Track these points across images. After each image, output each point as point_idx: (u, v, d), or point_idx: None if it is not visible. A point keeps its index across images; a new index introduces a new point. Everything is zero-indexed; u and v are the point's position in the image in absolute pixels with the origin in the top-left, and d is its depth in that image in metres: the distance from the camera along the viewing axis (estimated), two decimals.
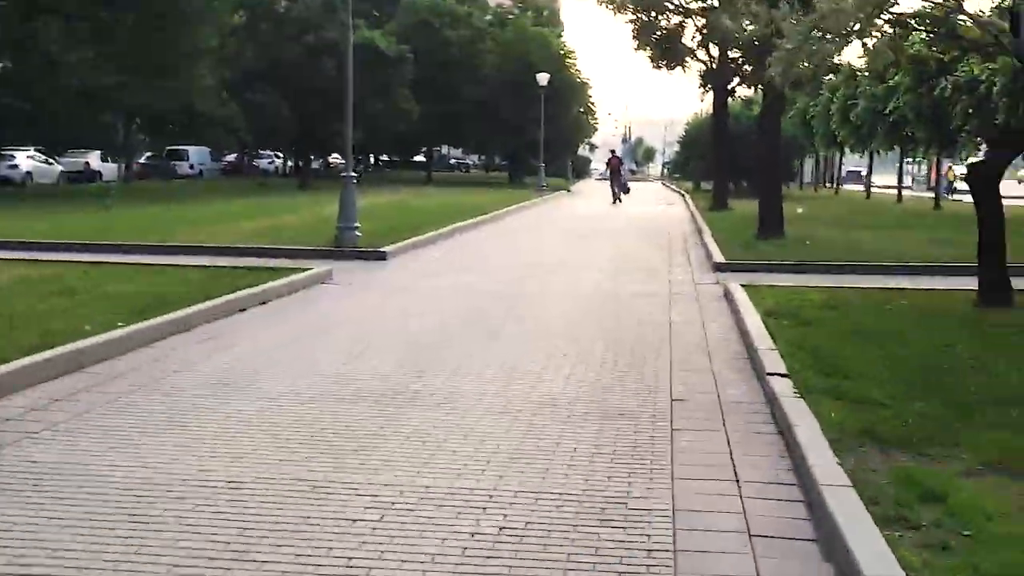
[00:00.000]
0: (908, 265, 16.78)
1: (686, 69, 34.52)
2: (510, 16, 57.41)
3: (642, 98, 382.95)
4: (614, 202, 40.97)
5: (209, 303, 11.38)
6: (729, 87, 34.06)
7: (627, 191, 44.37)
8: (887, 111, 36.88)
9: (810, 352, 9.03)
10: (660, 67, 34.56)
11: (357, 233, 18.59)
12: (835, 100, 46.12)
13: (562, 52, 54.63)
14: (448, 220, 25.03)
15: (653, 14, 33.12)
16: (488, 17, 57.28)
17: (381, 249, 18.10)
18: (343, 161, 65.12)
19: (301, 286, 13.83)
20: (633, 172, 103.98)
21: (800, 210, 32.83)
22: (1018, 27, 11.41)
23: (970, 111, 30.99)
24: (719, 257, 18.01)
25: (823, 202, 42.45)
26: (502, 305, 12.49)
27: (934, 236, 22.72)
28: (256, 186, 44.07)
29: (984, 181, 12.38)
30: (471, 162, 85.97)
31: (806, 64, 12.56)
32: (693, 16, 33.06)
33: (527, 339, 10.30)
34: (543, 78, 46.88)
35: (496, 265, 17.49)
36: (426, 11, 54.16)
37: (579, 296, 13.59)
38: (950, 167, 49.95)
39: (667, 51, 33.95)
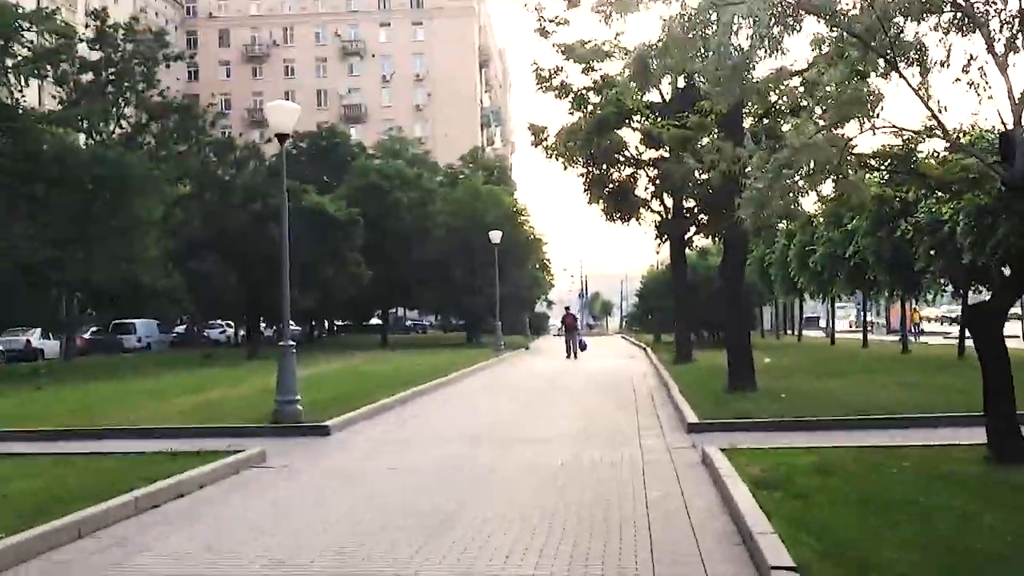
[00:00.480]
0: (899, 417, 15.47)
1: (640, 221, 33.79)
2: (461, 176, 57.15)
3: (597, 253, 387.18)
4: (568, 356, 41.69)
5: (116, 500, 9.85)
6: (686, 237, 33.30)
7: (584, 348, 44.76)
8: (846, 255, 36.28)
9: (816, 534, 7.65)
10: (614, 220, 33.76)
11: (298, 407, 17.11)
12: (792, 246, 45.68)
13: (515, 209, 54.18)
14: (402, 385, 23.65)
15: (604, 167, 32.50)
16: (439, 178, 56.98)
17: (324, 423, 16.59)
18: (298, 328, 64.11)
19: (228, 472, 12.29)
20: (591, 327, 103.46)
21: (767, 360, 31.71)
22: (1011, 152, 10.40)
23: (932, 252, 30.37)
24: (691, 416, 16.64)
25: (787, 350, 41.45)
26: (457, 487, 11.04)
27: (913, 380, 21.57)
28: (203, 357, 42.41)
29: (986, 322, 11.21)
30: (428, 323, 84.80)
31: (780, 202, 11.42)
32: (645, 167, 32.48)
33: (484, 530, 8.82)
34: (496, 236, 46.10)
35: (452, 435, 15.95)
36: (375, 174, 53.69)
37: (542, 472, 12.09)
38: (915, 310, 49.37)
39: (620, 203, 33.20)
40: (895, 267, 34.06)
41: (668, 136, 22.95)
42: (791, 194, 11.63)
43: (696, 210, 32.56)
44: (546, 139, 31.55)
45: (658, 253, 57.51)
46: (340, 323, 78.68)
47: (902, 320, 39.81)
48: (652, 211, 33.51)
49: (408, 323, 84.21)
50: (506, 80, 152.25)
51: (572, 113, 31.37)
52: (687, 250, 34.41)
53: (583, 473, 11.84)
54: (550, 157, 30.94)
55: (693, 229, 33.06)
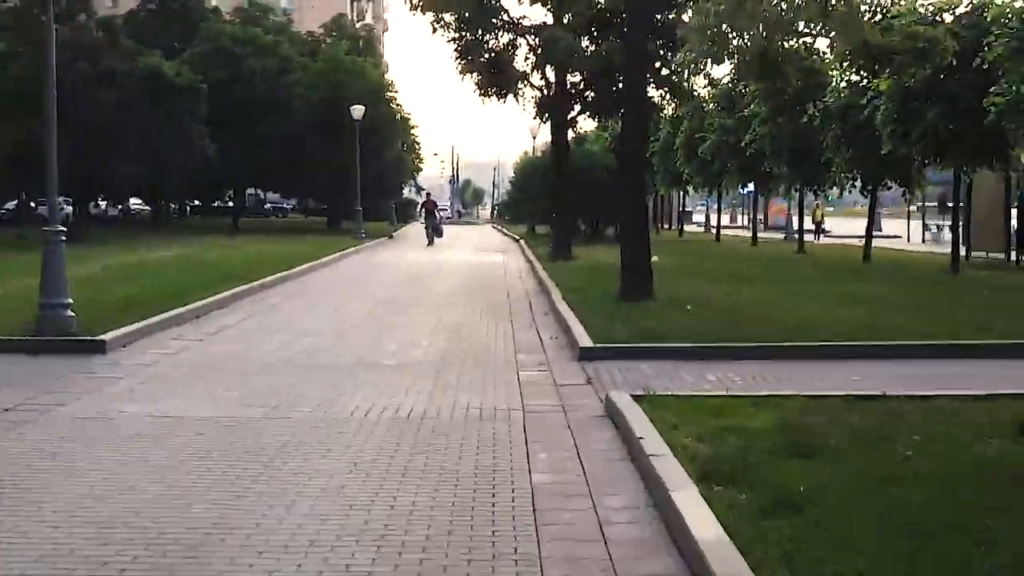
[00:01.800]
0: (863, 346, 12.18)
1: (519, 97, 29.85)
2: (324, 44, 51.83)
3: (470, 140, 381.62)
4: (428, 244, 40.75)
5: None
6: (569, 116, 29.49)
7: (440, 234, 43.73)
8: (741, 144, 33.07)
9: None
10: (489, 95, 29.77)
11: (68, 313, 12.97)
12: (680, 133, 42.39)
13: (381, 84, 49.42)
14: (229, 282, 19.57)
15: (479, 32, 28.38)
16: (296, 47, 51.55)
17: (99, 337, 12.49)
18: (143, 207, 58.57)
19: None
20: (461, 214, 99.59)
21: (655, 258, 28.44)
22: None
23: (842, 141, 27.30)
24: (583, 337, 12.93)
25: (672, 247, 38.28)
26: (244, 469, 7.22)
27: (845, 289, 18.48)
28: (17, 239, 37.27)
29: None
30: (289, 207, 79.65)
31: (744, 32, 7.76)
32: (526, 35, 28.46)
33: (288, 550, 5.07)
34: (358, 111, 41.63)
35: (271, 360, 12.01)
36: (226, 38, 48.22)
37: (378, 434, 8.33)
38: (818, 204, 46.64)
39: (496, 76, 29.21)
40: (796, 157, 31.06)
41: None
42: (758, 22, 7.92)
43: (582, 86, 28.80)
44: None
45: (534, 138, 53.84)
46: (192, 204, 73.23)
47: (799, 218, 36.92)
48: (532, 86, 29.63)
49: (268, 206, 79.05)
50: None
51: None
52: (569, 132, 30.61)
53: (443, 435, 8.14)
54: (415, 8, 26.39)
55: (577, 108, 29.30)
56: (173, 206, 70.44)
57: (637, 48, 17.74)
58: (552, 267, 25.32)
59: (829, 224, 52.39)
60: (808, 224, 49.06)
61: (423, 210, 48.40)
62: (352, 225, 42.54)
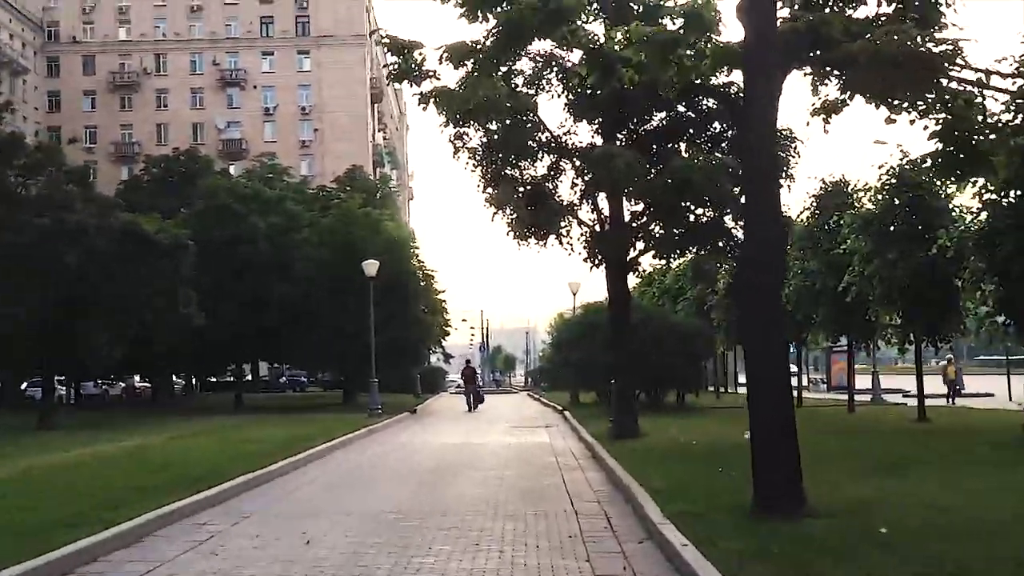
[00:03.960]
0: None
1: (563, 238, 23.92)
2: (335, 200, 46.56)
3: (500, 305, 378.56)
4: (469, 411, 41.89)
5: None
6: (630, 257, 23.40)
7: (481, 400, 45.07)
8: (838, 287, 26.92)
9: None
10: (526, 236, 23.90)
11: None
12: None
13: (399, 238, 43.82)
14: (165, 494, 13.37)
15: (513, 158, 22.70)
16: (306, 204, 46.25)
17: None
18: (112, 383, 52.31)
19: None
20: (499, 383, 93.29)
21: (747, 435, 22.08)
22: None
23: (984, 277, 21.18)
24: None
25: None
26: None
27: None
28: None
29: None
30: (305, 380, 73.45)
31: None
32: (572, 157, 22.74)
33: None
34: (371, 266, 35.85)
35: None
36: (226, 194, 43.08)
37: None
38: (950, 360, 39.89)
39: (535, 212, 23.41)
40: (914, 301, 24.90)
41: (636, 37, 12.84)
42: None
43: (644, 218, 22.90)
44: (418, 71, 20.15)
45: (575, 294, 47.88)
46: (203, 379, 67.39)
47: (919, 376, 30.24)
48: (580, 222, 23.73)
49: (283, 379, 73.09)
50: (402, 122, 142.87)
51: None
52: (631, 275, 24.43)
53: None
54: (425, 102, 20.08)
55: (640, 245, 23.29)
56: (180, 382, 64.73)
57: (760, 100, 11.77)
58: (619, 451, 18.96)
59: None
60: (932, 384, 42.64)
61: (463, 378, 48.47)
62: (373, 396, 36.28)
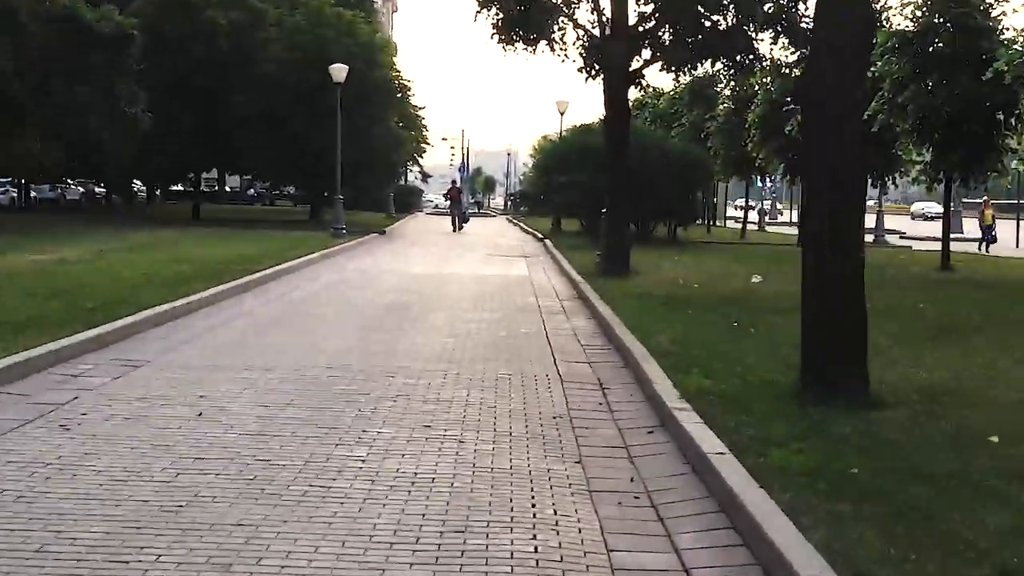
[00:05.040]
0: None
1: (556, 43, 20.52)
2: None
3: (481, 127, 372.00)
4: (454, 230, 42.78)
5: None
6: (632, 67, 20.03)
7: (466, 220, 46.37)
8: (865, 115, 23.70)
9: None
10: (513, 40, 20.54)
11: None
12: (753, 105, 33.04)
13: (373, 42, 39.83)
14: (32, 334, 10.46)
15: None
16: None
17: None
18: (66, 186, 48.86)
19: None
20: (480, 205, 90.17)
21: (757, 277, 19.31)
22: None
23: None
24: None
25: (756, 256, 28.96)
26: None
27: None
28: None
29: None
30: (273, 193, 69.72)
31: None
32: None
33: None
34: (339, 71, 32.21)
35: None
36: None
37: None
38: (986, 202, 36.79)
39: (526, 11, 19.96)
40: (950, 134, 21.91)
41: None
42: None
43: (653, 20, 19.46)
44: None
45: (562, 114, 44.46)
46: (176, 188, 63.97)
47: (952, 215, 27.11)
48: (577, 24, 20.28)
49: (250, 191, 69.67)
50: None
51: None
52: (632, 89, 20.98)
53: None
54: None
55: (646, 54, 19.89)
56: (138, 190, 61.38)
57: None
58: (609, 292, 16.14)
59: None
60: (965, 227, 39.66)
61: (448, 197, 49.71)
62: (337, 215, 33.20)
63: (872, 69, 23.38)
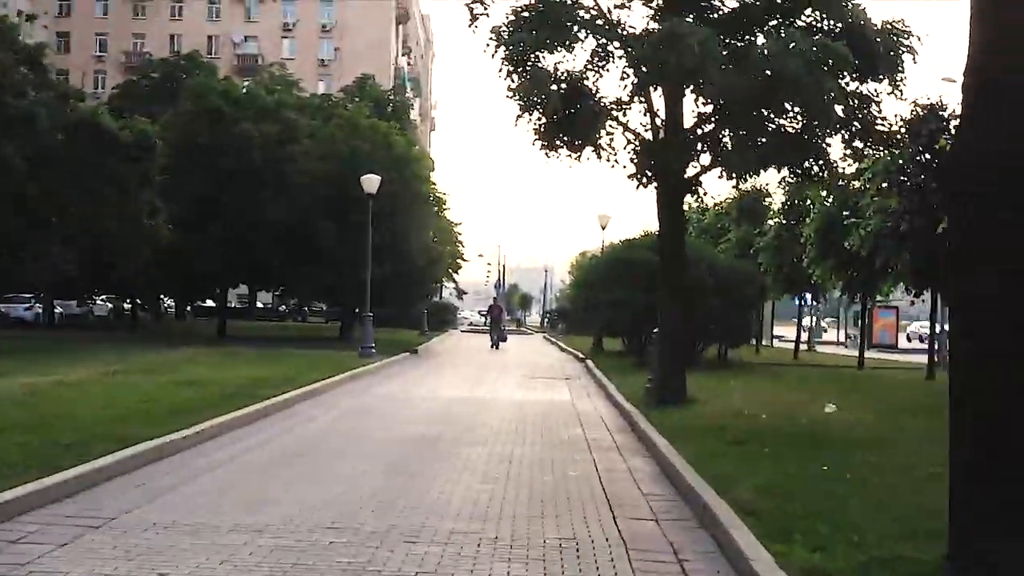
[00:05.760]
0: None
1: (604, 149, 18.80)
2: (340, 106, 40.94)
3: (517, 245, 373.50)
4: (493, 347, 43.23)
5: None
6: (690, 174, 18.23)
7: (504, 339, 46.27)
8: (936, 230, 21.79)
9: None
10: (556, 147, 18.81)
11: None
12: (807, 221, 31.27)
13: (410, 154, 38.56)
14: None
15: (548, 39, 17.53)
16: (308, 113, 40.78)
17: None
18: (93, 302, 47.62)
19: None
20: (519, 322, 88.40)
21: (830, 407, 17.16)
22: None
23: None
24: None
25: (824, 381, 26.70)
26: None
27: None
28: None
29: None
30: (296, 309, 68.18)
31: None
32: (623, 41, 17.51)
33: None
34: (370, 182, 30.83)
35: None
36: (216, 97, 37.87)
37: None
38: None
39: (572, 115, 18.30)
40: None
41: None
42: None
43: (713, 123, 17.71)
44: None
45: (604, 228, 42.83)
46: (196, 303, 62.60)
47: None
48: (628, 129, 18.53)
49: (282, 307, 68.16)
50: (428, 50, 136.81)
51: None
52: (690, 197, 19.09)
53: None
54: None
55: (706, 159, 18.09)
56: (169, 306, 60.16)
57: None
58: (667, 425, 14.09)
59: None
60: None
61: (490, 315, 50.93)
62: (365, 333, 31.44)
63: None
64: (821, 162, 17.68)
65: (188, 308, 62.50)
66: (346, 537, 7.83)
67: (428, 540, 7.84)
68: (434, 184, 43.73)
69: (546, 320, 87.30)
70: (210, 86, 39.08)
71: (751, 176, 18.21)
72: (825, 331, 73.60)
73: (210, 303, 62.32)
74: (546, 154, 19.13)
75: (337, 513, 8.68)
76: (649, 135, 18.24)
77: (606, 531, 8.39)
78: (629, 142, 18.33)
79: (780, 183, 24.44)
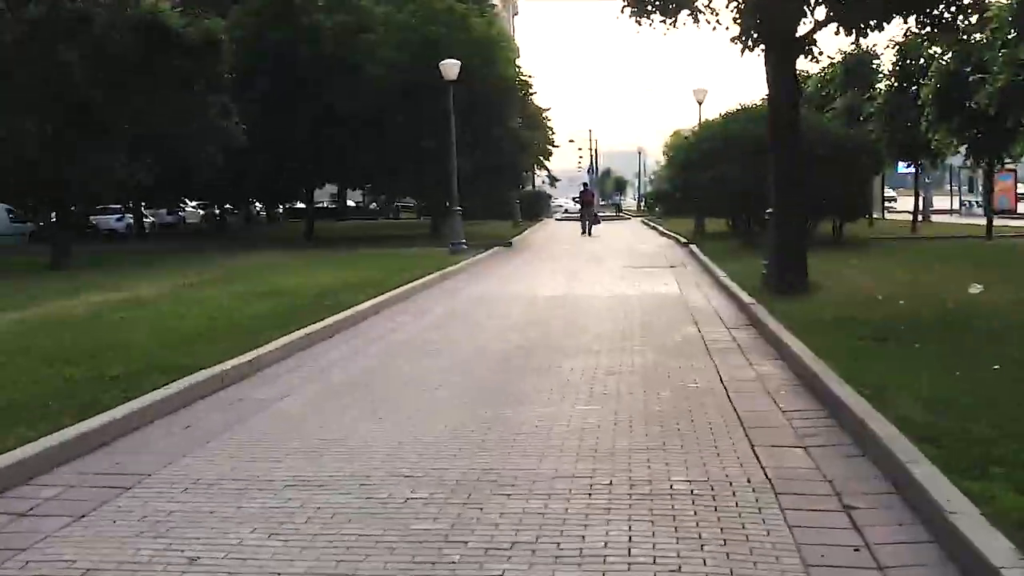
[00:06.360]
0: None
1: (700, 14, 16.73)
2: None
3: (609, 128, 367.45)
4: (584, 233, 42.68)
5: None
6: (800, 31, 16.11)
7: (597, 222, 45.84)
8: None
9: None
10: (649, 11, 16.84)
11: None
12: (926, 79, 28.67)
13: (490, 37, 36.47)
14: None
15: None
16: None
17: None
18: (183, 209, 47.08)
19: None
20: (619, 208, 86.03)
21: (976, 287, 15.18)
22: None
23: None
24: None
25: (952, 255, 24.46)
26: None
27: None
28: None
29: None
30: (388, 206, 66.76)
31: None
32: None
33: None
34: (450, 68, 29.03)
35: None
36: None
37: None
38: None
39: None
40: None
41: None
42: None
43: None
44: None
45: (700, 103, 40.38)
46: (288, 206, 61.77)
47: None
48: None
49: (373, 206, 66.89)
50: None
51: None
52: (805, 58, 16.86)
53: None
54: None
55: (821, 13, 15.89)
56: (260, 210, 59.51)
57: None
58: (795, 317, 12.36)
59: None
60: None
61: (581, 201, 49.15)
62: (455, 229, 30.01)
63: None
64: (954, 7, 15.40)
65: (280, 210, 61.70)
66: (426, 490, 6.34)
67: (526, 491, 6.31)
68: (519, 67, 41.59)
69: (643, 204, 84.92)
70: None
71: (873, 29, 15.90)
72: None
73: (302, 205, 61.70)
74: (637, 21, 17.21)
75: (415, 459, 7.18)
76: None
77: (745, 467, 6.76)
78: (735, 3, 16.22)
79: (904, 36, 21.70)
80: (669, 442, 7.45)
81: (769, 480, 6.44)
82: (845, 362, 9.31)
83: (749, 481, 6.42)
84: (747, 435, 7.61)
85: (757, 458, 6.96)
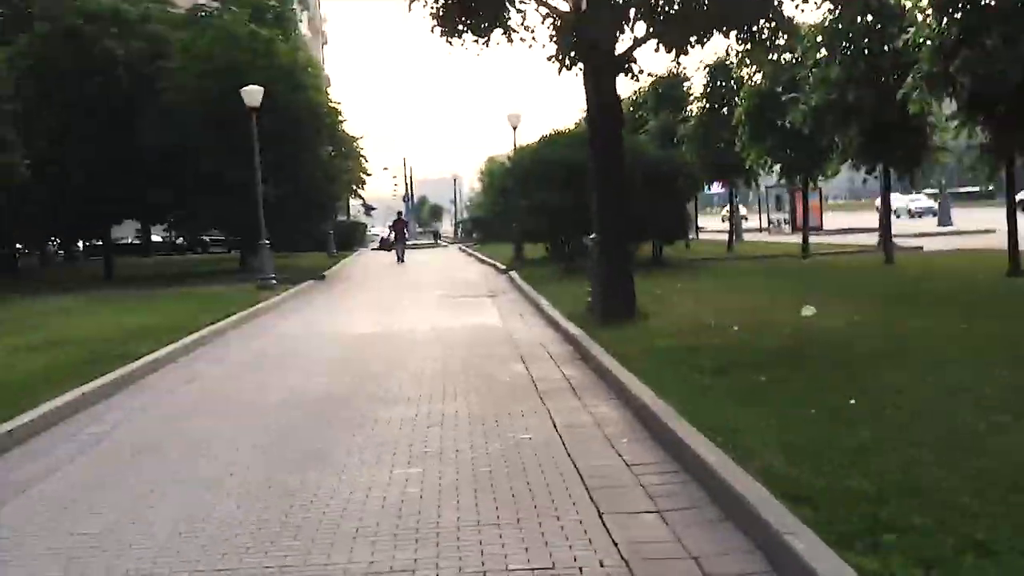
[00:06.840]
0: None
1: (515, 30, 15.87)
2: (214, 14, 36.66)
3: (423, 156, 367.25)
4: (399, 261, 43.93)
5: None
6: (619, 49, 15.33)
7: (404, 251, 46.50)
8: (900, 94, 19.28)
9: None
10: (459, 30, 15.88)
11: None
12: (741, 100, 28.66)
13: (295, 62, 34.79)
14: None
15: None
16: (177, 28, 36.41)
17: None
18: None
19: None
20: (436, 236, 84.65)
21: (808, 309, 14.66)
22: None
23: None
24: None
25: (770, 273, 24.30)
26: None
27: None
28: None
29: None
30: (195, 240, 63.73)
31: None
32: None
33: None
34: (252, 94, 27.46)
35: None
36: (73, 14, 33.68)
37: None
38: None
39: None
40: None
41: None
42: None
43: None
44: None
45: (515, 128, 39.73)
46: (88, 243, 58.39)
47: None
48: (541, 3, 15.57)
49: (180, 241, 63.77)
50: None
51: None
52: (624, 76, 16.06)
53: None
54: None
55: (639, 29, 15.16)
56: (57, 249, 56.09)
57: None
58: (626, 348, 11.55)
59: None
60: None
61: (394, 230, 49.65)
62: (263, 263, 28.34)
63: (905, 36, 19.33)
64: (774, 22, 14.99)
65: (80, 248, 58.26)
66: None
67: None
68: (328, 95, 40.03)
69: (459, 230, 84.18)
70: (66, 3, 34.76)
71: (693, 46, 15.30)
72: (745, 219, 71.66)
73: (93, 242, 58.32)
74: (448, 41, 16.25)
75: (199, 549, 5.88)
76: (567, 6, 15.33)
77: (595, 544, 5.71)
78: (546, 16, 15.41)
79: (731, 52, 21.27)
80: (504, 514, 6.35)
81: (625, 561, 5.41)
82: (688, 400, 8.48)
83: (603, 565, 5.38)
84: (592, 499, 6.58)
85: (607, 531, 5.93)
